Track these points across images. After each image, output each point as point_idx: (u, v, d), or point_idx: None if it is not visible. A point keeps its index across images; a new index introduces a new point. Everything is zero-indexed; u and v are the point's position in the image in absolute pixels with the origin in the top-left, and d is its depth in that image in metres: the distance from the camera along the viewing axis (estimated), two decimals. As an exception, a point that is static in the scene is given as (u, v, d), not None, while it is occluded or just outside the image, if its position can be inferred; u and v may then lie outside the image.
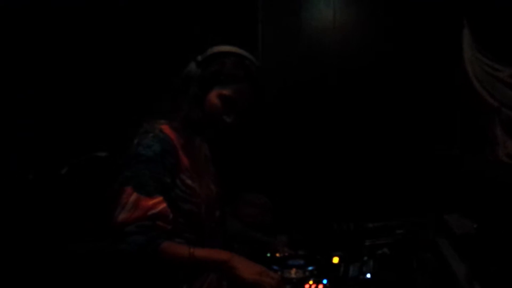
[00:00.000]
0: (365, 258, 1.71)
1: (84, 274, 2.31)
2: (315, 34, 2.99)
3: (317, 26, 2.99)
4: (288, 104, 2.95)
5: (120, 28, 2.83)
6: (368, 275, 1.62)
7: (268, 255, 1.88)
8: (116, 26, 2.82)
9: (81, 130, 2.74)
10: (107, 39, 2.82)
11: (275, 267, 1.70)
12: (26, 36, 2.70)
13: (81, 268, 2.32)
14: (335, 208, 2.75)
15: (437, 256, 1.69)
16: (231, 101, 1.58)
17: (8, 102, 2.65)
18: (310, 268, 1.69)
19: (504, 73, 2.44)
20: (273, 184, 2.77)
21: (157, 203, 1.45)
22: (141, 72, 2.82)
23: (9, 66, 2.65)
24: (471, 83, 2.47)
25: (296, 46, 2.99)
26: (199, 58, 1.62)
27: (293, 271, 1.69)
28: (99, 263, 2.28)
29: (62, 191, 2.50)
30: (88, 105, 2.78)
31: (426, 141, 2.76)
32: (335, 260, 1.75)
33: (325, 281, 1.60)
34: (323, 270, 1.67)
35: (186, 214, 1.56)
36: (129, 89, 2.81)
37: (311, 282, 1.60)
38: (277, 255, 1.86)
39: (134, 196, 1.43)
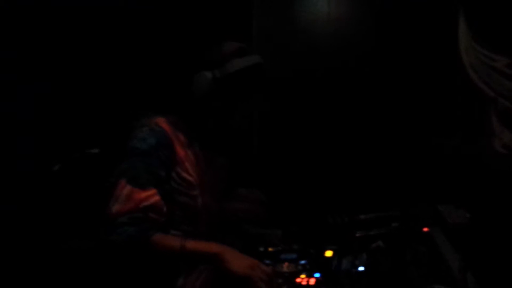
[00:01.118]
0: (358, 251, 1.68)
1: (79, 272, 2.30)
2: (309, 26, 2.95)
3: (311, 18, 2.95)
4: (282, 96, 2.92)
5: (114, 25, 2.80)
6: (361, 268, 1.60)
7: (261, 249, 1.86)
8: (111, 23, 2.79)
9: (73, 127, 2.73)
10: (100, 36, 2.79)
11: (267, 261, 1.68)
12: (24, 33, 2.68)
13: (75, 266, 2.31)
14: (329, 201, 2.73)
15: (432, 248, 1.67)
16: (247, 109, 1.67)
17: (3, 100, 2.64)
18: (302, 262, 1.68)
19: (500, 62, 2.40)
20: (266, 178, 2.74)
21: (150, 196, 1.47)
22: (133, 68, 2.80)
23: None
24: (466, 73, 2.43)
25: (290, 39, 2.95)
26: (218, 74, 1.60)
27: (286, 265, 1.68)
28: (93, 260, 2.28)
29: (54, 188, 2.49)
30: (81, 102, 2.76)
31: (422, 132, 2.73)
32: (328, 253, 1.73)
33: (317, 275, 1.58)
34: (315, 264, 1.66)
35: (182, 206, 1.60)
36: (123, 85, 2.80)
37: (303, 275, 1.58)
38: (270, 249, 1.84)
39: (127, 188, 1.46)
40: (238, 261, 1.45)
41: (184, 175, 1.59)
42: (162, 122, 1.60)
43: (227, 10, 2.89)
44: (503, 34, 2.45)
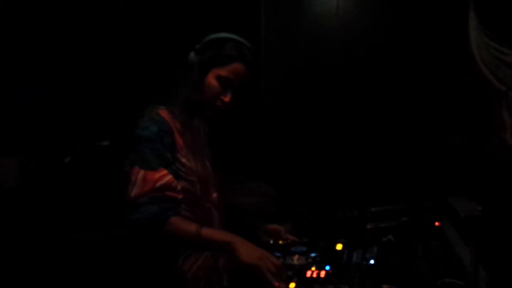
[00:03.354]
0: (369, 244, 1.68)
1: (86, 263, 2.32)
2: (318, 20, 2.94)
3: (320, 11, 2.95)
4: (291, 90, 2.91)
5: (123, 24, 2.82)
6: (372, 261, 1.59)
7: (271, 242, 1.86)
8: (119, 22, 2.82)
9: (84, 120, 2.74)
10: (109, 34, 2.82)
11: (277, 254, 1.68)
12: (31, 29, 2.70)
13: (83, 257, 2.33)
14: (339, 194, 2.72)
15: (443, 241, 1.66)
16: (227, 80, 1.69)
17: (12, 95, 2.66)
18: (312, 254, 1.67)
19: (511, 56, 2.39)
20: (275, 172, 2.74)
21: (163, 176, 1.58)
22: (140, 65, 2.83)
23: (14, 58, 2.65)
24: (478, 67, 2.42)
25: (299, 32, 2.95)
26: (197, 46, 1.75)
27: (296, 257, 1.67)
28: (102, 252, 2.30)
29: (65, 180, 2.52)
30: (90, 95, 2.78)
31: (432, 126, 2.72)
32: (339, 246, 1.72)
33: (327, 268, 1.58)
34: (326, 257, 1.65)
35: (182, 191, 1.65)
36: (131, 81, 2.82)
37: (313, 268, 1.58)
38: (280, 242, 1.84)
39: (141, 173, 1.57)
40: (248, 251, 1.50)
41: (183, 160, 1.66)
42: (163, 112, 1.68)
43: (235, 4, 2.90)
44: (513, 28, 2.44)
